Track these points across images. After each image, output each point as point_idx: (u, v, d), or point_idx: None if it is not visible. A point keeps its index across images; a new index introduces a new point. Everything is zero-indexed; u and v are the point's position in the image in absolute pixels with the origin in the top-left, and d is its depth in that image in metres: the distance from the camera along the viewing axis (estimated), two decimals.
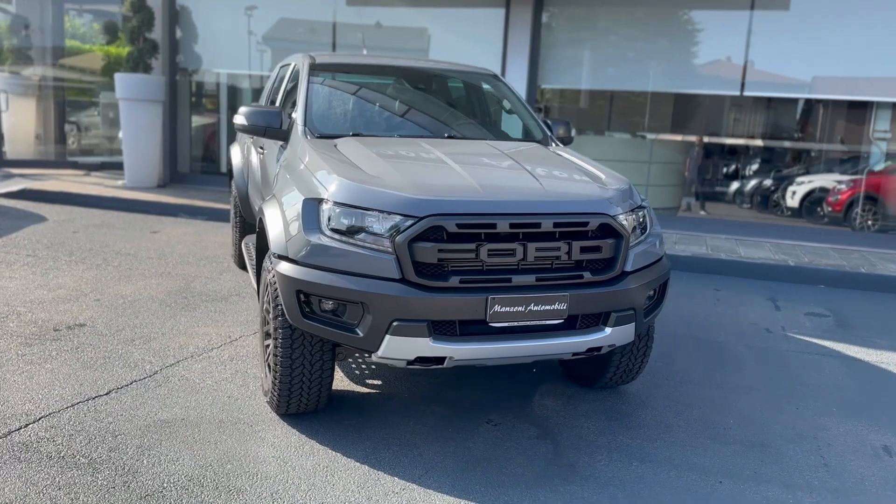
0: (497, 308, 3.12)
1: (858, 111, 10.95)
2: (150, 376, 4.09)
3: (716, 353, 5.07)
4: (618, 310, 3.35)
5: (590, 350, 3.37)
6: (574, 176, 3.76)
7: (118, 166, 11.18)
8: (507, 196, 3.27)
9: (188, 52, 10.96)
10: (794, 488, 3.25)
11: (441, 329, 3.13)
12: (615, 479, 3.23)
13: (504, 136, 4.75)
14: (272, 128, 4.25)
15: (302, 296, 3.20)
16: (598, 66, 9.38)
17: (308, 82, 4.51)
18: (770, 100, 12.30)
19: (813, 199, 11.18)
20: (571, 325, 3.30)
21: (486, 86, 5.15)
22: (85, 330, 4.79)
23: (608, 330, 3.34)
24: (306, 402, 3.53)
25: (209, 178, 11.26)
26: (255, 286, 4.59)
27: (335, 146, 3.91)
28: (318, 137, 4.07)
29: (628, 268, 3.41)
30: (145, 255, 6.93)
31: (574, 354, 3.40)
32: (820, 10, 8.54)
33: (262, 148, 4.95)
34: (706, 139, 12.76)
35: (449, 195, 3.19)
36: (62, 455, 3.14)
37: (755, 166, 13.69)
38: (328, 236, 3.20)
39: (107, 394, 3.84)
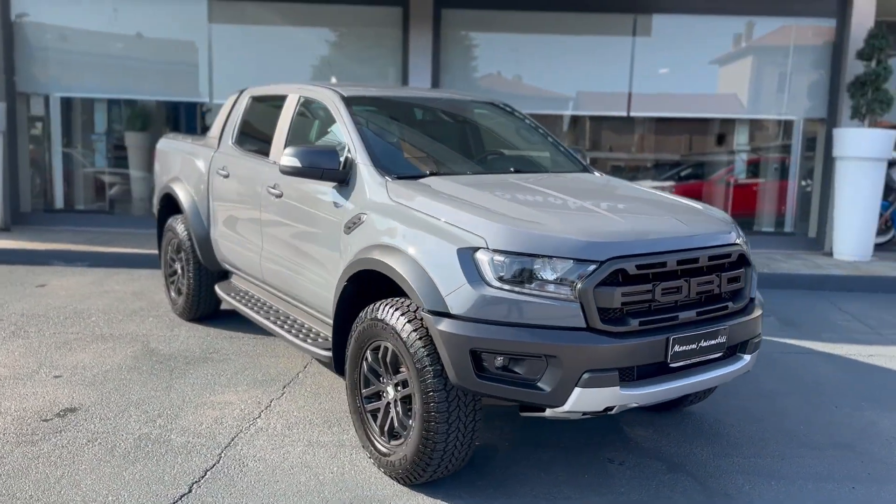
0: (677, 348, 3.09)
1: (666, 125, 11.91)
2: (217, 462, 3.52)
3: None
4: (752, 337, 3.46)
5: (732, 377, 3.44)
6: (692, 208, 3.82)
7: None
8: (665, 234, 3.25)
9: (28, 73, 9.54)
10: None
11: (624, 375, 3.03)
12: (775, 501, 3.33)
13: (557, 167, 4.67)
14: (331, 170, 3.85)
15: (476, 354, 2.94)
16: (496, 89, 9.56)
17: (352, 119, 4.13)
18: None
19: None
20: (726, 356, 3.35)
21: (505, 114, 5.05)
22: (82, 415, 4.01)
23: (746, 357, 3.44)
24: (452, 465, 3.24)
25: (58, 216, 9.90)
26: (286, 335, 4.14)
27: (430, 186, 3.64)
28: (398, 178, 3.75)
29: (753, 294, 3.53)
30: (59, 316, 5.93)
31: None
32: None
33: (273, 188, 4.45)
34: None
35: (620, 237, 3.10)
36: None
37: None
38: (496, 287, 2.97)
39: (190, 491, 3.25)
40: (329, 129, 4.37)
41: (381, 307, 3.31)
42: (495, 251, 3.00)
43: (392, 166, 3.88)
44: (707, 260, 3.25)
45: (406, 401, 3.28)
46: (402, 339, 3.16)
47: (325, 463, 3.55)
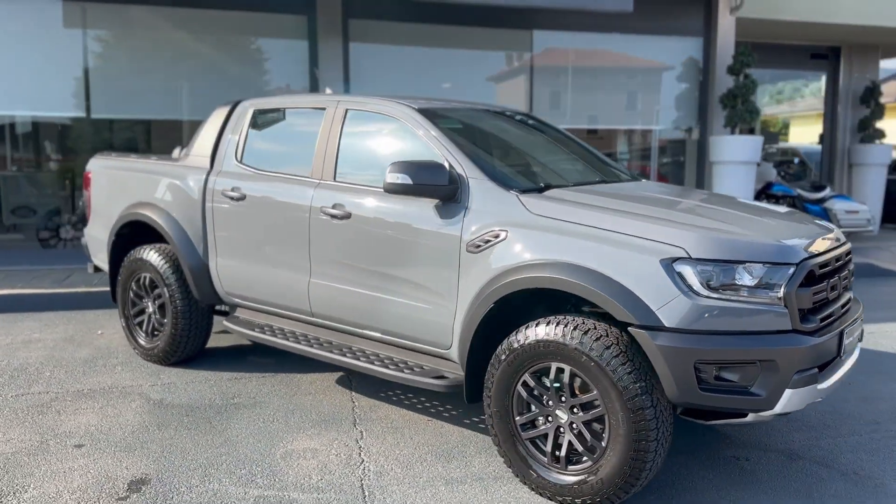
0: (846, 340, 3.28)
1: None
2: None
3: None
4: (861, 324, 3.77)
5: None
6: (793, 211, 4.09)
7: None
8: (822, 235, 3.44)
9: None
10: None
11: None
12: None
13: (622, 176, 4.66)
14: (441, 186, 3.61)
15: (697, 367, 2.92)
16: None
17: (443, 133, 3.88)
18: None
19: None
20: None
21: (543, 125, 4.99)
22: (160, 486, 3.39)
23: (859, 344, 3.73)
24: (649, 480, 3.18)
25: None
26: (382, 370, 3.81)
27: (572, 199, 3.54)
28: (524, 192, 3.59)
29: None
30: (13, 374, 4.94)
31: None
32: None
33: (331, 209, 4.07)
34: None
35: (800, 240, 3.23)
36: None
37: None
38: (705, 296, 2.97)
39: None
40: (392, 143, 4.11)
41: (549, 328, 3.17)
42: (698, 260, 3.00)
43: (507, 180, 3.72)
44: (845, 256, 3.50)
45: (589, 423, 3.16)
46: (590, 358, 3.04)
47: (483, 498, 3.31)
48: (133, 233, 5.30)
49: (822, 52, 13.00)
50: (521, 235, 3.40)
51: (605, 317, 3.20)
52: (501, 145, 4.51)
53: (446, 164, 3.70)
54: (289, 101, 4.71)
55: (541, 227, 3.37)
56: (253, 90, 8.86)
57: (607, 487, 3.10)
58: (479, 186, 3.63)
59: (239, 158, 4.73)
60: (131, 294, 5.23)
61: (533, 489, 3.34)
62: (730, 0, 9.83)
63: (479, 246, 3.52)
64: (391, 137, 4.16)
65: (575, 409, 3.20)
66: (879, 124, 12.36)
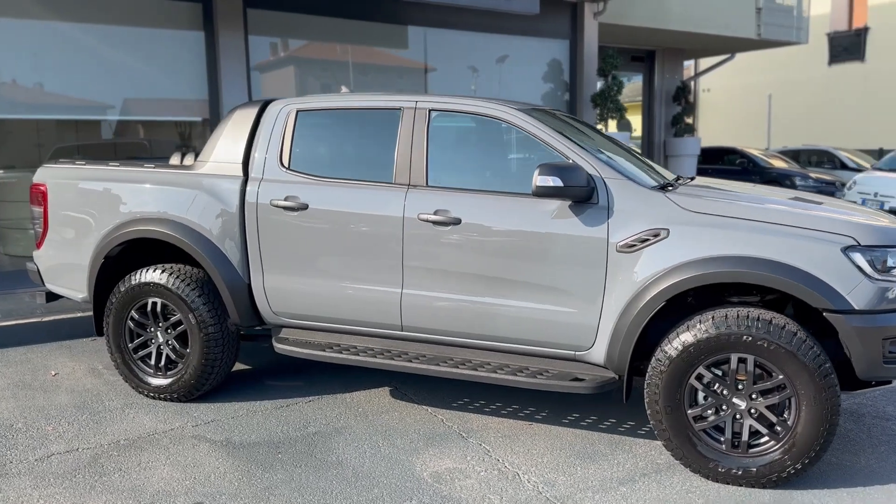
0: None
1: None
2: None
3: None
4: None
5: None
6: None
7: None
8: None
9: None
10: None
11: None
12: None
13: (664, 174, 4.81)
14: (582, 187, 3.60)
15: (885, 343, 3.26)
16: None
17: (562, 135, 3.85)
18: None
19: None
20: None
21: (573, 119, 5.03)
22: None
23: None
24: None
25: None
26: (522, 380, 3.74)
27: (713, 194, 3.73)
28: (656, 189, 3.71)
29: None
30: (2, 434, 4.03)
31: None
32: None
33: (433, 215, 3.87)
34: None
35: None
36: None
37: None
38: (879, 280, 3.31)
39: None
40: (495, 146, 4.01)
41: (728, 322, 3.34)
42: (866, 247, 3.34)
43: (638, 178, 3.81)
44: None
45: (772, 406, 3.38)
46: (780, 346, 3.27)
47: (668, 492, 3.40)
48: (122, 254, 4.57)
49: (640, 55, 14.46)
50: (685, 233, 3.52)
51: (767, 305, 3.43)
52: (591, 145, 4.56)
53: (583, 166, 3.70)
54: (342, 101, 4.33)
55: (706, 224, 3.51)
56: (142, 85, 7.91)
57: (794, 461, 3.34)
58: (619, 186, 3.68)
59: (286, 165, 4.27)
60: (131, 325, 4.50)
61: (708, 477, 3.49)
62: (593, 6, 10.59)
63: (634, 246, 3.58)
64: (493, 139, 4.03)
65: (754, 396, 3.40)
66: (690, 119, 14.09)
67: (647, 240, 3.56)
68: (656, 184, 3.86)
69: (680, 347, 3.43)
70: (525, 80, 10.93)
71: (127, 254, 4.65)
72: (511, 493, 3.40)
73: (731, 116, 26.54)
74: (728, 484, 3.45)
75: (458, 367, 3.93)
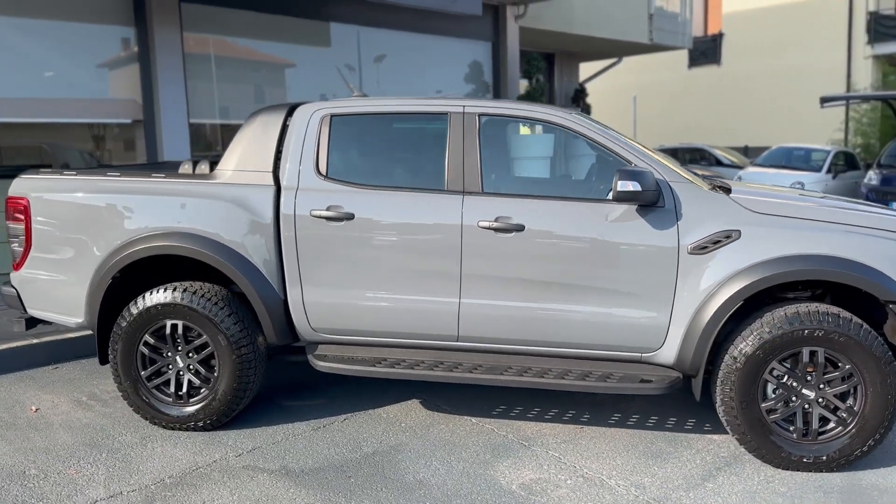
0: None
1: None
2: None
3: None
4: None
5: None
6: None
7: None
8: None
9: None
10: None
11: None
12: None
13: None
14: (653, 191, 3.65)
15: None
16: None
17: (622, 138, 3.89)
18: None
19: None
20: None
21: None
22: None
23: None
24: None
25: None
26: (596, 384, 3.77)
27: (775, 199, 3.88)
28: (717, 191, 3.84)
29: None
30: (25, 484, 3.53)
31: None
32: None
33: (494, 222, 3.80)
34: None
35: None
36: None
37: None
38: None
39: None
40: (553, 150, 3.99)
41: (801, 317, 3.53)
42: None
43: (697, 182, 3.91)
44: None
45: (840, 395, 3.60)
46: (850, 337, 3.49)
47: (749, 483, 3.54)
48: (127, 274, 4.16)
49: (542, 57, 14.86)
50: (755, 234, 3.66)
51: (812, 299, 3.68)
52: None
53: (652, 171, 3.76)
54: (379, 105, 4.13)
55: (775, 225, 3.67)
56: (63, 84, 7.19)
57: (861, 444, 3.58)
58: (685, 189, 3.77)
59: (323, 173, 4.04)
60: (145, 350, 4.09)
61: (780, 466, 3.65)
62: (514, 9, 10.77)
63: (706, 248, 3.68)
64: (549, 144, 4.01)
65: (822, 386, 3.60)
66: None
67: (720, 241, 3.68)
68: (712, 186, 3.99)
69: (756, 344, 3.57)
70: (447, 81, 10.94)
71: (125, 274, 4.23)
72: (610, 499, 3.40)
73: (602, 117, 27.73)
74: (800, 471, 3.63)
75: (521, 376, 3.87)
